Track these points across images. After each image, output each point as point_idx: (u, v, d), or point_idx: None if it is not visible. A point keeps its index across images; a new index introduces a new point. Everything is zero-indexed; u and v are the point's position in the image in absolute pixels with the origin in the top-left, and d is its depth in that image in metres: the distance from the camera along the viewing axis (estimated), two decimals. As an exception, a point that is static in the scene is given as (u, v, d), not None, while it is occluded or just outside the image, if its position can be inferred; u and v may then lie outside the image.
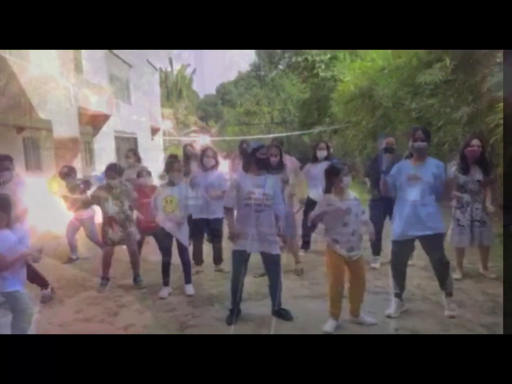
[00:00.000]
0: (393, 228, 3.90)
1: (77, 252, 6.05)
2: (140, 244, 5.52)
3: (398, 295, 3.87)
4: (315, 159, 5.80)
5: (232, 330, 3.59)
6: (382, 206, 4.92)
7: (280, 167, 4.83)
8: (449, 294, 3.79)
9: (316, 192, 5.69)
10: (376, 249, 5.29)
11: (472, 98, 8.02)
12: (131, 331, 3.67)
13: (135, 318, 3.95)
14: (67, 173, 5.74)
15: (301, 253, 5.63)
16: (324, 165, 5.68)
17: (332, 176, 3.55)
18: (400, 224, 3.77)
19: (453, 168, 4.63)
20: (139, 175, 5.43)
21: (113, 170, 4.80)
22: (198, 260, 5.32)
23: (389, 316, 3.77)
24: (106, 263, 4.80)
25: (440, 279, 3.79)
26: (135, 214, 5.16)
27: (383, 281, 4.75)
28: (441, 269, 3.76)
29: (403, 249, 3.84)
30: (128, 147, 17.19)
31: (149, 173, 5.56)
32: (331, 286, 3.58)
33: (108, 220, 4.74)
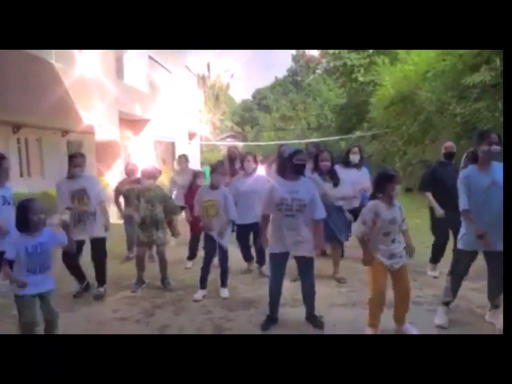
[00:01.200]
0: (466, 237, 3.58)
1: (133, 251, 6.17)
2: (197, 241, 5.57)
3: (448, 304, 3.72)
4: (347, 163, 5.62)
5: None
6: (449, 218, 4.68)
7: (333, 172, 4.86)
8: (497, 306, 3.59)
9: (342, 198, 5.43)
10: (437, 258, 5.10)
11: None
12: (167, 332, 3.68)
13: (170, 320, 3.96)
14: (132, 170, 6.12)
15: None
16: (355, 171, 5.52)
17: (384, 183, 3.39)
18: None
19: None
20: (196, 176, 5.60)
21: (148, 173, 4.86)
22: (248, 257, 5.41)
23: (441, 327, 3.60)
24: (139, 264, 4.87)
25: (495, 293, 3.59)
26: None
27: (425, 291, 4.55)
28: (501, 284, 3.55)
29: (470, 258, 3.63)
30: (166, 151, 17.57)
31: (204, 175, 5.75)
32: (372, 296, 3.44)
33: (140, 222, 4.80)
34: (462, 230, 3.63)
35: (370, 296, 3.46)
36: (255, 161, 5.28)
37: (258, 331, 3.64)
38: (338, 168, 5.62)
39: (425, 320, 3.75)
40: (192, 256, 5.75)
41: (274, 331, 3.64)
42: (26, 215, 2.97)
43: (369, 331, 3.43)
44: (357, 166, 5.59)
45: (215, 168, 4.63)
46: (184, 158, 7.02)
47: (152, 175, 4.90)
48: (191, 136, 22.17)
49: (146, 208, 4.74)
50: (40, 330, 3.12)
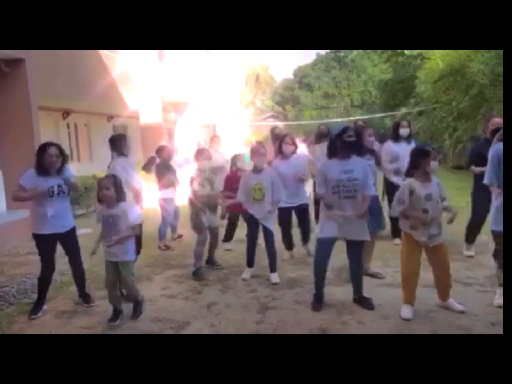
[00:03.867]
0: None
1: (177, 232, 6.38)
2: (235, 226, 5.66)
3: None
4: (396, 138, 5.50)
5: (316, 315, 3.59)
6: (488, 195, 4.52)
7: (373, 150, 4.73)
8: None
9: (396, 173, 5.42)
10: (473, 236, 4.93)
11: None
12: (214, 309, 3.80)
13: (217, 297, 4.07)
14: (168, 155, 6.15)
15: None
16: (406, 145, 5.39)
17: (419, 159, 3.36)
18: None
19: None
20: (235, 159, 5.62)
21: (201, 155, 4.90)
22: (289, 245, 5.27)
23: (501, 307, 3.49)
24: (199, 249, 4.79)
25: None
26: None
27: (476, 272, 4.41)
28: None
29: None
30: (208, 134, 17.77)
31: (243, 158, 5.74)
32: (403, 273, 3.50)
33: (191, 202, 4.85)
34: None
35: (402, 269, 3.49)
36: (294, 143, 5.14)
37: (304, 310, 3.68)
38: (391, 144, 5.52)
39: (476, 300, 3.67)
40: (227, 238, 5.74)
41: (321, 311, 3.67)
42: (97, 191, 3.50)
43: (405, 308, 3.46)
44: (407, 140, 5.49)
45: (256, 151, 4.52)
46: (218, 139, 6.98)
47: (205, 156, 4.88)
48: (232, 117, 22.24)
49: (199, 190, 4.72)
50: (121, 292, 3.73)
